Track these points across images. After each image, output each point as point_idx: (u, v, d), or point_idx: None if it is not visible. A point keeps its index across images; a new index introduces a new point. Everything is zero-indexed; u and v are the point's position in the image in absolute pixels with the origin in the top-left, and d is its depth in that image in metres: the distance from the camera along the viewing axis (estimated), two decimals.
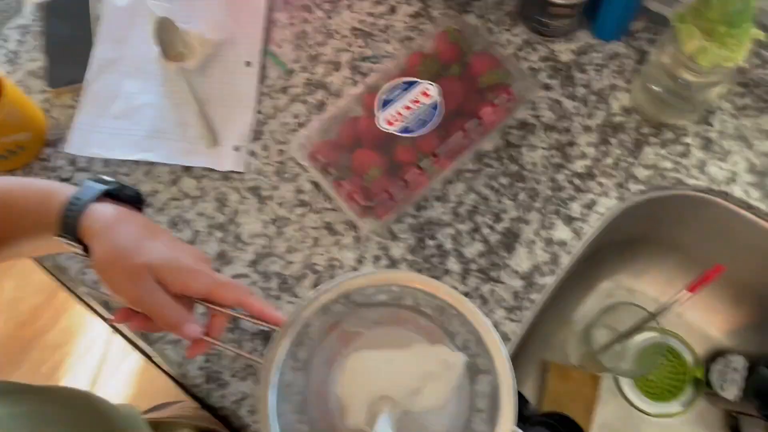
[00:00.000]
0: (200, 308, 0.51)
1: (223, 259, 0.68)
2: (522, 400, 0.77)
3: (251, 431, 0.63)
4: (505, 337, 0.64)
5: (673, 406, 0.83)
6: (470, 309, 0.49)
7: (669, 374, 0.84)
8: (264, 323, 0.50)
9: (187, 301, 0.49)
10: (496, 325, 0.64)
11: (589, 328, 0.80)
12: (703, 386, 0.82)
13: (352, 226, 0.68)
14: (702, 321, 0.85)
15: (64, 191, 0.48)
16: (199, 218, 0.70)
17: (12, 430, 0.40)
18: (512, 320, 0.65)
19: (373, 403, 0.52)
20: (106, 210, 0.48)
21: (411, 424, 0.53)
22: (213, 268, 0.59)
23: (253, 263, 0.68)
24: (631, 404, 0.83)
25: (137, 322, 0.49)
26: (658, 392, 0.83)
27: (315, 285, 0.66)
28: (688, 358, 0.84)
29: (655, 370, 0.80)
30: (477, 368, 0.52)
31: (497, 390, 0.49)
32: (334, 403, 0.54)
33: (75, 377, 1.59)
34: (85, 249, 0.48)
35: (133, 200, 0.52)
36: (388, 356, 0.54)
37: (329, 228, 0.68)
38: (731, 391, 0.77)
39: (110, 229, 0.46)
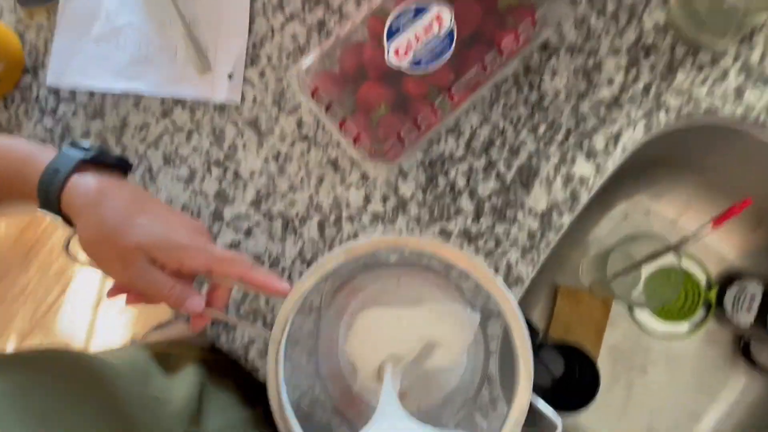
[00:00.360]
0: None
1: (222, 198, 0.65)
2: (531, 331, 0.76)
3: (261, 375, 0.63)
4: (518, 280, 0.62)
5: (683, 327, 0.83)
6: (487, 277, 0.46)
7: (681, 296, 0.83)
8: (269, 294, 0.47)
9: (186, 275, 0.46)
10: (509, 268, 0.61)
11: (603, 254, 0.78)
12: (715, 309, 0.81)
13: (358, 163, 0.64)
14: (719, 243, 0.83)
15: (41, 159, 0.44)
16: (195, 154, 0.66)
17: (1, 408, 0.38)
18: (527, 263, 0.62)
19: (383, 362, 0.51)
20: (89, 183, 0.44)
21: (423, 383, 0.53)
22: (213, 209, 0.56)
23: (255, 203, 0.64)
24: (641, 326, 0.82)
25: (133, 297, 0.46)
26: (669, 314, 0.83)
27: (320, 226, 0.63)
28: (702, 280, 0.83)
29: (668, 304, 0.79)
30: (489, 312, 0.49)
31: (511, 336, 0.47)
32: (345, 364, 0.53)
33: (84, 281, 1.61)
34: (69, 221, 0.45)
35: (118, 165, 0.48)
36: (398, 314, 0.52)
37: (334, 165, 0.64)
38: (744, 317, 0.76)
39: (94, 206, 0.43)
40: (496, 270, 0.62)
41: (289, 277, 0.63)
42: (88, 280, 1.61)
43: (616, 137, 0.63)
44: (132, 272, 0.42)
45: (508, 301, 0.45)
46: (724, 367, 0.81)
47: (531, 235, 0.62)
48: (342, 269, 0.48)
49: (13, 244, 1.63)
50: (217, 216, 0.65)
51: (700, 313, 0.83)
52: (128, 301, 0.47)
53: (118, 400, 0.48)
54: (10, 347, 1.65)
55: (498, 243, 0.62)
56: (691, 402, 0.81)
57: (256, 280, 0.46)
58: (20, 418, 0.38)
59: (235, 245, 0.64)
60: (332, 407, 0.52)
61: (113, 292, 0.47)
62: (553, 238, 0.62)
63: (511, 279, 0.62)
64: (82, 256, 0.44)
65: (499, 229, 0.62)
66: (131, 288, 0.45)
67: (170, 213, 0.46)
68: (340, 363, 0.52)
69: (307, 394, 0.49)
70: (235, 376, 0.66)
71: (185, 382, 0.57)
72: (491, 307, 0.50)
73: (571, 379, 0.76)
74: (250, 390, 0.67)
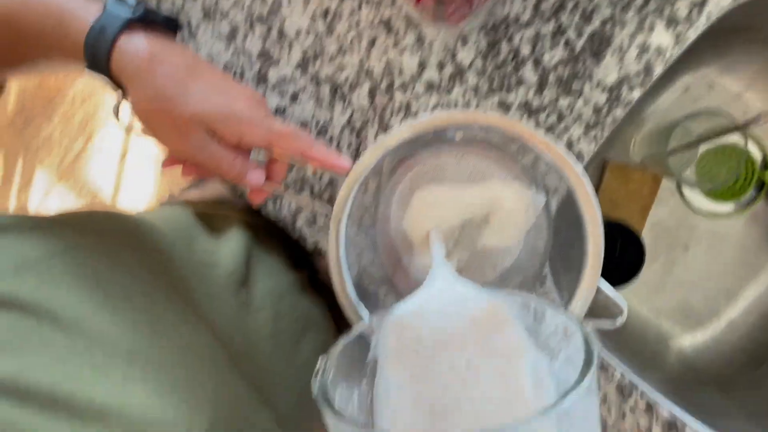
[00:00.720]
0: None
1: (266, 58, 0.60)
2: None
3: (310, 243, 0.62)
4: (579, 156, 0.59)
5: (730, 207, 0.81)
6: (555, 151, 0.43)
7: (731, 170, 0.80)
8: (330, 170, 0.45)
9: (244, 148, 0.44)
10: (570, 144, 0.58)
11: (661, 129, 0.74)
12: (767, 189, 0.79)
13: (414, 24, 0.59)
14: None
15: (82, 15, 0.40)
16: (236, 8, 0.60)
17: (53, 270, 0.37)
18: (589, 140, 0.59)
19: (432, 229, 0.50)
20: (139, 46, 0.40)
21: (478, 261, 0.52)
22: (257, 70, 0.52)
23: (302, 65, 0.60)
24: (688, 204, 0.80)
25: (190, 169, 0.44)
26: (719, 193, 0.80)
27: (371, 93, 0.59)
28: (758, 158, 0.79)
29: (724, 185, 0.76)
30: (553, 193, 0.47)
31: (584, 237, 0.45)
32: (400, 239, 0.51)
33: (109, 132, 1.59)
34: (120, 85, 0.41)
35: (166, 25, 0.43)
36: (458, 191, 0.50)
37: (387, 26, 0.59)
38: None
39: (147, 72, 0.39)
40: None
41: (338, 146, 0.60)
42: (113, 131, 1.59)
43: (702, 3, 0.56)
44: (190, 144, 0.40)
45: (584, 185, 0.43)
46: (767, 249, 0.80)
47: (597, 110, 0.58)
48: (402, 146, 0.45)
49: (34, 92, 1.59)
50: (261, 78, 0.61)
51: (750, 194, 0.80)
52: (184, 173, 0.45)
53: (168, 264, 0.47)
54: (37, 197, 1.67)
55: (560, 118, 0.58)
56: (728, 281, 0.81)
57: (318, 157, 0.44)
58: (73, 283, 0.37)
59: (280, 111, 0.61)
60: (381, 277, 0.51)
61: (168, 163, 0.44)
62: (620, 114, 0.58)
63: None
64: (135, 123, 0.42)
65: (563, 102, 0.58)
66: (188, 159, 0.43)
67: (227, 82, 0.42)
68: (394, 238, 0.51)
69: (358, 266, 0.48)
70: (280, 239, 0.66)
71: (232, 244, 0.56)
72: (557, 187, 0.47)
73: (615, 256, 0.75)
74: (295, 254, 0.67)
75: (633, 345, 0.77)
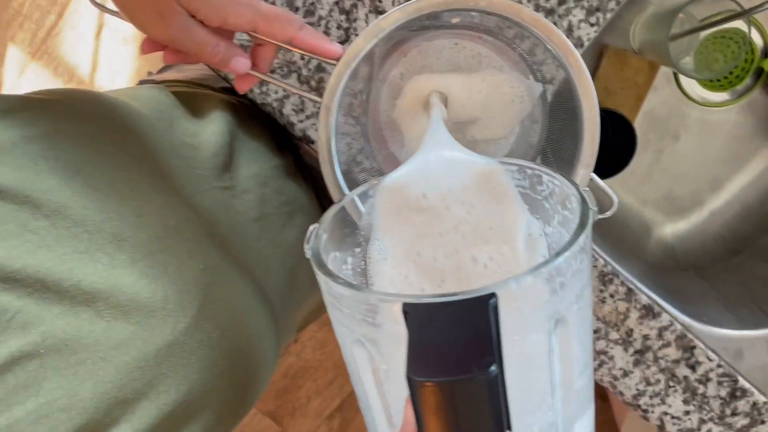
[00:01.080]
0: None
1: None
2: None
3: (298, 129, 0.61)
4: (578, 44, 0.57)
5: (726, 95, 0.79)
6: (557, 36, 0.42)
7: (732, 59, 0.78)
8: (319, 57, 0.43)
9: (227, 31, 0.41)
10: (570, 29, 0.56)
11: (664, 14, 0.71)
12: (765, 78, 0.77)
13: None
14: None
15: None
16: None
17: (32, 155, 0.36)
18: (591, 24, 0.56)
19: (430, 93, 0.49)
20: None
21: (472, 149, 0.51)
22: None
23: None
24: (684, 91, 0.79)
25: (171, 55, 0.42)
26: (715, 81, 0.79)
27: None
28: (758, 45, 0.77)
29: (724, 74, 0.74)
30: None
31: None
32: (393, 130, 0.50)
33: (82, 5, 1.50)
34: None
35: None
36: (453, 79, 0.48)
37: None
38: None
39: None
40: None
41: (327, 28, 0.57)
42: (86, 6, 1.50)
43: None
44: (172, 29, 0.37)
45: (584, 76, 0.41)
46: (758, 140, 0.80)
47: None
48: (395, 31, 0.43)
49: None
50: None
51: (748, 82, 0.79)
52: (166, 60, 0.42)
53: (149, 148, 0.46)
54: (11, 76, 1.61)
55: (562, 1, 0.56)
56: (716, 170, 0.81)
57: (307, 43, 0.42)
58: (53, 167, 0.36)
59: None
60: (371, 168, 0.51)
61: (148, 48, 0.42)
62: None
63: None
64: (112, 5, 0.39)
65: None
66: (169, 44, 0.41)
67: None
68: (384, 128, 0.50)
69: (347, 156, 0.48)
70: (265, 122, 0.64)
71: (214, 126, 0.55)
72: (553, 77, 0.46)
73: (607, 144, 0.75)
74: (280, 138, 0.66)
75: (616, 233, 0.79)
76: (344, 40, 0.58)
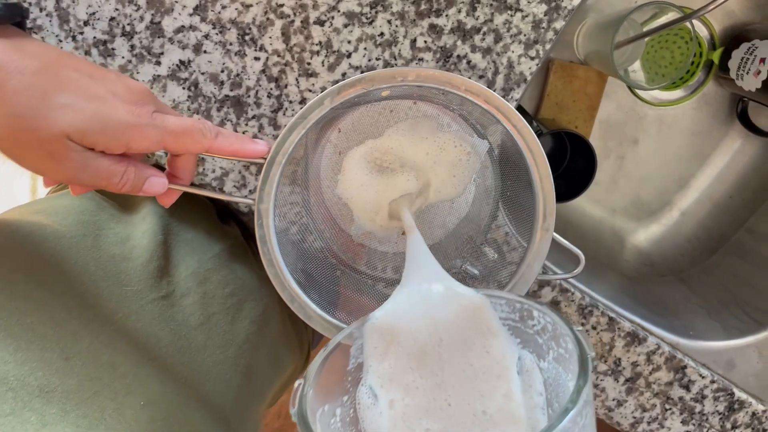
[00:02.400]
0: None
1: (157, 5, 0.52)
2: (526, 116, 0.70)
3: (243, 206, 0.57)
4: (521, 79, 0.54)
5: (679, 92, 0.78)
6: (494, 99, 0.39)
7: (681, 58, 0.76)
8: (244, 159, 0.39)
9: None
10: (511, 65, 0.53)
11: (606, 24, 0.69)
12: (716, 70, 0.76)
13: None
14: None
15: None
16: None
17: None
18: (531, 58, 0.54)
19: (396, 202, 0.46)
20: None
21: (428, 217, 0.48)
22: (148, 21, 0.45)
23: (199, 9, 0.52)
24: (636, 95, 0.77)
25: (77, 189, 0.38)
26: (666, 80, 0.77)
27: (284, 34, 0.52)
28: (705, 38, 0.75)
29: (672, 81, 0.72)
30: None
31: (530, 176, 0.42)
32: (337, 208, 0.47)
33: None
34: None
35: (6, 16, 0.35)
36: (395, 147, 0.45)
37: None
38: (751, 81, 0.71)
39: None
40: (496, 72, 0.53)
41: (257, 98, 0.54)
42: None
43: None
44: (69, 167, 0.34)
45: (535, 140, 0.39)
46: (718, 132, 0.78)
47: (536, 25, 0.53)
48: (329, 111, 0.40)
49: None
50: (156, 30, 0.53)
51: (699, 76, 0.77)
52: (74, 192, 0.39)
53: (71, 274, 0.42)
54: None
55: (498, 38, 0.53)
56: (681, 169, 0.79)
57: (226, 150, 0.38)
58: None
59: (185, 64, 0.54)
60: (329, 252, 0.48)
61: (49, 182, 0.38)
62: (561, 26, 0.53)
63: (512, 79, 0.54)
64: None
65: (499, 20, 0.52)
66: (70, 182, 0.37)
67: (97, 81, 0.35)
68: (329, 206, 0.47)
69: (296, 250, 0.44)
70: (203, 203, 0.61)
71: (146, 224, 0.51)
72: (497, 132, 0.43)
73: (566, 167, 0.73)
74: (223, 214, 0.62)
75: (590, 249, 0.76)
76: (277, 109, 0.54)
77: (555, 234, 0.42)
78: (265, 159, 0.39)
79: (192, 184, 0.56)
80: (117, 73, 0.38)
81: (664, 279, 0.76)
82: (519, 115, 0.39)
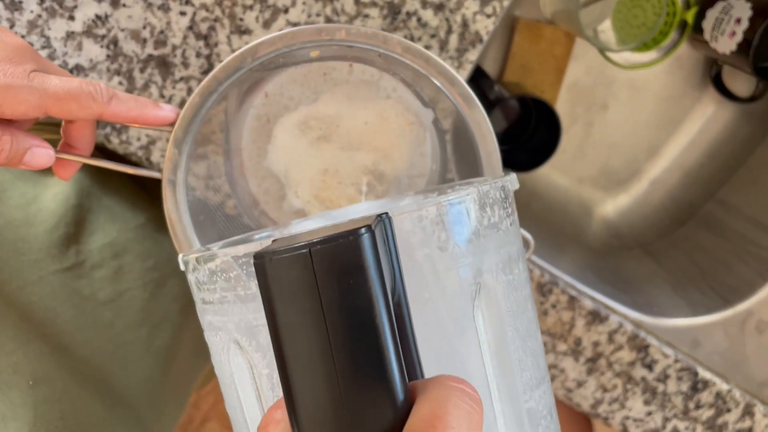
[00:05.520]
0: None
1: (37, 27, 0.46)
2: (485, 80, 0.66)
3: None
4: (476, 39, 0.49)
5: (650, 55, 0.73)
6: (435, 63, 0.35)
7: (653, 18, 0.71)
8: (148, 126, 0.34)
9: (16, 120, 0.32)
10: (466, 24, 0.49)
11: None
12: (690, 31, 0.71)
13: None
14: None
15: None
16: None
17: None
18: (487, 15, 0.49)
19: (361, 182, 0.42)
20: None
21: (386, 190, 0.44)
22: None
23: (89, 27, 0.46)
24: (607, 57, 0.73)
25: None
26: (638, 41, 0.72)
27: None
28: None
29: (643, 42, 0.67)
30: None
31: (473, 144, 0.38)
32: (267, 185, 0.42)
33: None
34: None
35: None
36: (336, 114, 0.41)
37: None
38: (725, 43, 0.66)
39: None
40: (449, 30, 0.48)
41: (184, 58, 0.49)
42: None
43: None
44: None
45: (481, 113, 0.34)
46: (690, 98, 0.74)
47: None
48: (246, 75, 0.35)
49: None
50: None
51: (672, 37, 0.73)
52: None
53: None
54: None
55: None
56: (651, 136, 0.76)
57: (123, 116, 0.33)
58: None
59: (102, 19, 0.48)
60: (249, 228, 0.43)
61: None
62: None
63: (467, 39, 0.49)
64: None
65: None
66: None
67: None
68: (256, 183, 0.42)
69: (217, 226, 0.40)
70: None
71: (59, 187, 0.46)
72: (441, 100, 0.39)
73: (529, 134, 0.68)
74: (153, 185, 0.57)
75: (555, 221, 0.73)
76: (207, 70, 0.49)
77: None
78: (172, 126, 0.34)
79: (110, 154, 0.51)
80: None
81: (631, 252, 0.73)
82: (462, 82, 0.34)
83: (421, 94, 0.40)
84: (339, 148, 0.42)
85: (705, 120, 0.73)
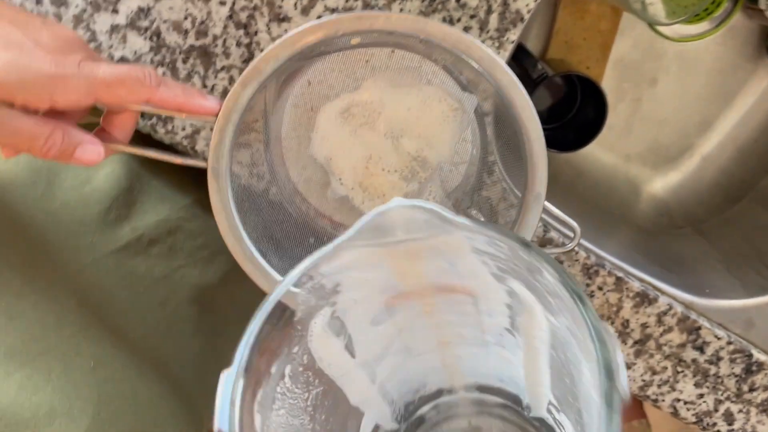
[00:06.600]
0: None
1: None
2: (528, 59, 0.64)
3: None
4: (517, 18, 0.48)
5: (703, 26, 0.70)
6: (478, 49, 0.34)
7: None
8: (193, 116, 0.35)
9: (68, 112, 0.33)
10: (506, 2, 0.48)
11: None
12: (744, 1, 0.68)
13: None
14: None
15: None
16: None
17: None
18: None
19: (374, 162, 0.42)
20: None
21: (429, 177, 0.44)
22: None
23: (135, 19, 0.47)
24: (656, 30, 0.70)
25: (7, 149, 0.34)
26: (689, 13, 0.69)
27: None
28: None
29: (692, 17, 0.64)
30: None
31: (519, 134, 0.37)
32: (311, 171, 0.43)
33: None
34: None
35: None
36: (379, 101, 0.41)
37: None
38: None
39: None
40: (489, 10, 0.47)
41: (225, 47, 0.49)
42: None
43: None
44: None
45: (525, 98, 0.34)
46: (744, 70, 0.71)
47: None
48: (285, 64, 0.35)
49: None
50: None
51: (725, 7, 0.69)
52: (5, 155, 0.35)
53: (19, 224, 0.40)
54: None
55: None
56: (702, 112, 0.73)
57: (170, 102, 0.34)
58: None
59: (144, 12, 0.49)
60: (299, 215, 0.44)
61: None
62: None
63: (508, 18, 0.48)
64: None
65: None
66: None
67: (18, 27, 0.31)
68: (299, 171, 0.43)
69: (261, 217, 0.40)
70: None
71: (109, 167, 0.47)
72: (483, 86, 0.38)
73: (575, 112, 0.67)
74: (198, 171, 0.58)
75: (601, 200, 0.72)
76: (248, 59, 0.49)
77: (546, 203, 0.37)
78: (216, 117, 0.34)
79: (158, 144, 0.52)
80: (43, 18, 0.34)
81: (681, 231, 0.71)
82: (506, 67, 0.34)
83: (461, 79, 0.40)
84: (382, 135, 0.42)
85: (760, 93, 0.70)
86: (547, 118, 0.69)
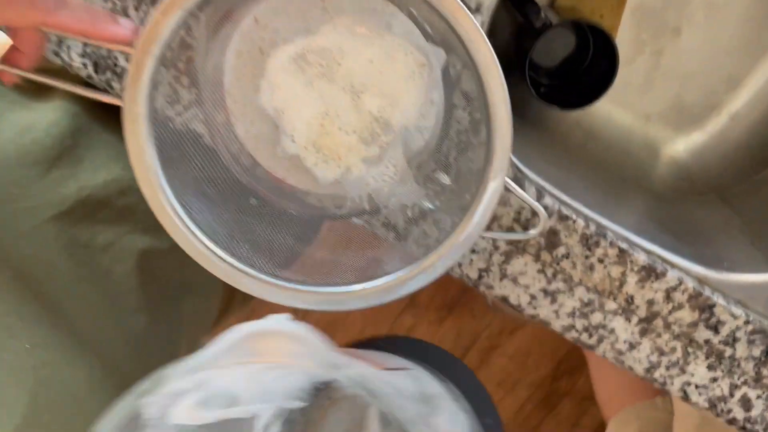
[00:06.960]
0: None
1: None
2: (531, 5, 0.58)
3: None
4: None
5: None
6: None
7: None
8: (102, 44, 0.31)
9: None
10: None
11: None
12: None
13: None
14: None
15: None
16: None
17: None
18: None
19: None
20: None
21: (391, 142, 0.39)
22: None
23: None
24: None
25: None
26: None
27: None
28: None
29: None
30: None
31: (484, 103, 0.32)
32: (263, 126, 0.38)
33: None
34: None
35: None
36: (338, 50, 0.36)
37: None
38: None
39: None
40: None
41: None
42: None
43: None
44: None
45: (489, 55, 0.28)
46: None
47: None
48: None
49: None
50: None
51: None
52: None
53: None
54: None
55: None
56: (731, 64, 0.66)
57: (72, 27, 0.30)
58: None
59: None
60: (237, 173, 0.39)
61: None
62: None
63: None
64: None
65: None
66: None
67: None
68: (251, 126, 0.38)
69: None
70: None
71: (54, 115, 0.43)
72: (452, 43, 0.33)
73: (583, 65, 0.61)
74: None
75: (614, 163, 0.65)
76: None
77: (509, 181, 0.32)
78: (131, 46, 0.30)
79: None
80: None
81: (703, 198, 0.64)
82: (467, 13, 0.28)
83: (427, 29, 0.34)
84: (341, 89, 0.37)
85: None
86: (554, 72, 0.63)
